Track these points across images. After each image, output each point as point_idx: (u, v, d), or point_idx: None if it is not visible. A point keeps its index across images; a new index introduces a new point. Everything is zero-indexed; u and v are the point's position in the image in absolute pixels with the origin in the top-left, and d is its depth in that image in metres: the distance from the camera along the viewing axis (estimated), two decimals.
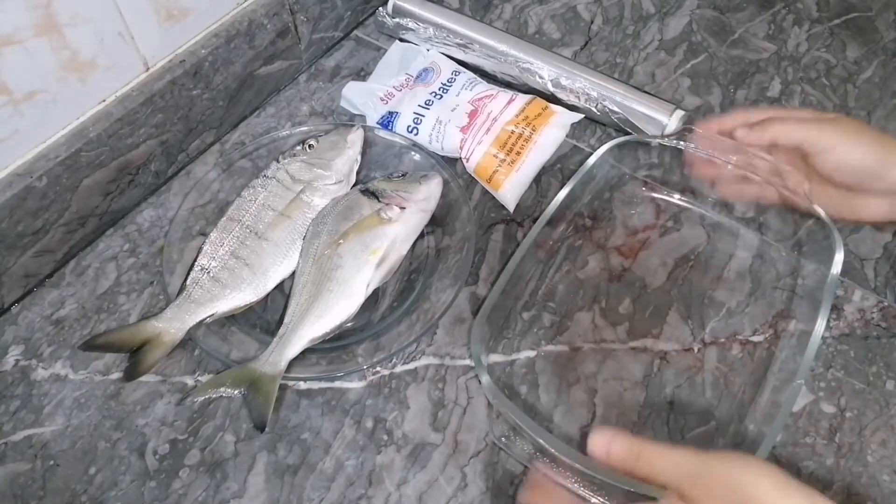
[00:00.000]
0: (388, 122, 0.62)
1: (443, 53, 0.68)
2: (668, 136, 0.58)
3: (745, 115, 0.53)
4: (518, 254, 0.51)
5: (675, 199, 0.60)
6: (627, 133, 0.62)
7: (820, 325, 0.47)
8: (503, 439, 0.46)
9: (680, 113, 0.61)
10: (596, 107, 0.63)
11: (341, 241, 0.52)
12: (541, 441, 0.42)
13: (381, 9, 0.70)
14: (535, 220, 0.59)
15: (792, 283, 0.55)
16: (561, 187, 0.59)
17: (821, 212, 0.51)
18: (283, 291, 0.53)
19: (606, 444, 0.38)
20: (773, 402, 0.49)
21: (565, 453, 0.40)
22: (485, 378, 0.45)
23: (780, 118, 0.51)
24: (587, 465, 0.40)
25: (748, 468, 0.34)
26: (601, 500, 0.40)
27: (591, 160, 0.56)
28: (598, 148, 0.57)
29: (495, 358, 0.51)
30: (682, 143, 0.56)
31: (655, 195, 0.60)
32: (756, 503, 0.33)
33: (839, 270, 0.50)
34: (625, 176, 0.61)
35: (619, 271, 0.56)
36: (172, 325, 0.49)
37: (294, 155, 0.57)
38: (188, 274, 0.51)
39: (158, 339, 0.48)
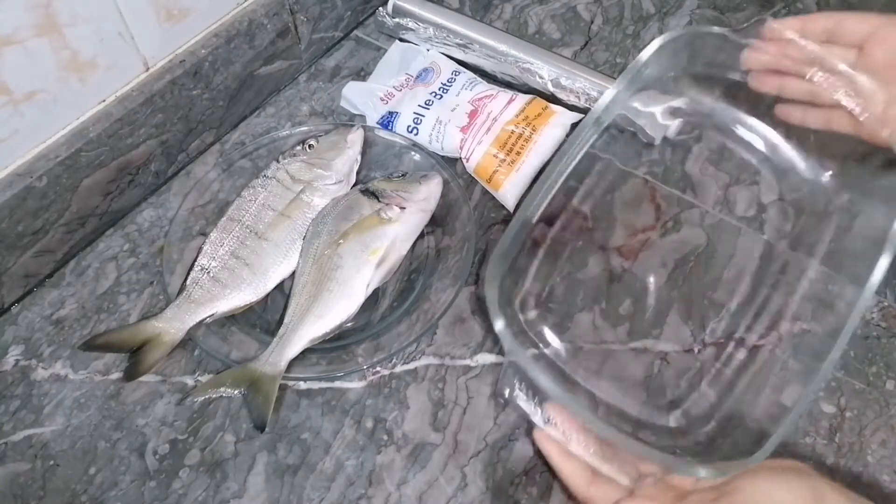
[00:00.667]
0: (388, 122, 0.62)
1: (443, 53, 0.68)
2: (738, 29, 0.49)
3: (836, 16, 0.45)
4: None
5: (676, 199, 0.60)
6: (628, 132, 0.62)
7: (856, 314, 0.42)
8: (511, 394, 0.45)
9: None
10: None
11: (341, 241, 0.52)
12: (553, 387, 0.41)
13: (381, 9, 0.70)
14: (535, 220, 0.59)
15: (795, 283, 0.55)
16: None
17: None
18: (283, 291, 0.53)
19: None
20: (776, 403, 0.48)
21: (577, 408, 0.40)
22: (499, 323, 0.44)
23: None
24: (597, 423, 0.40)
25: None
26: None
27: (644, 55, 0.50)
28: (649, 45, 0.50)
29: (495, 358, 0.51)
30: (751, 40, 0.48)
31: (656, 195, 0.60)
32: None
33: None
34: (625, 175, 0.61)
35: (619, 272, 0.56)
36: (172, 325, 0.49)
37: (294, 155, 0.57)
38: (188, 274, 0.51)
39: (158, 339, 0.48)
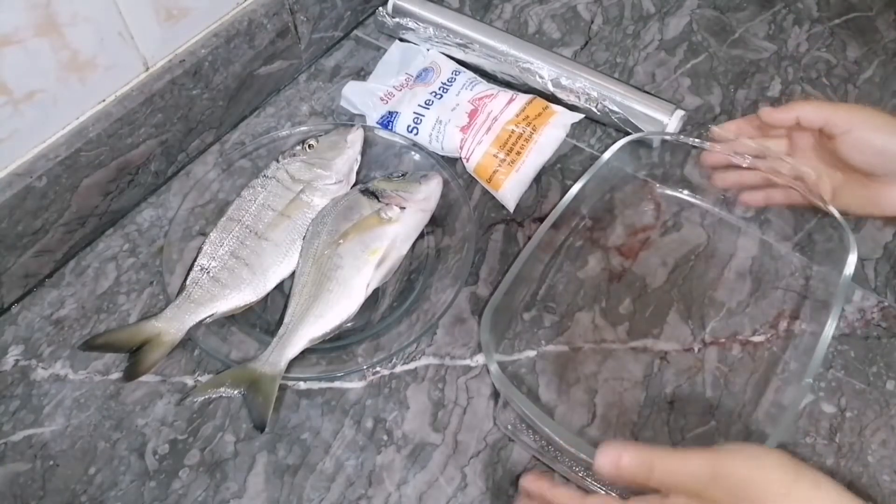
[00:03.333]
0: (388, 121, 0.62)
1: (443, 53, 0.68)
2: (683, 134, 0.57)
3: (765, 116, 0.53)
4: (528, 248, 0.50)
5: (676, 198, 0.60)
6: (629, 132, 0.62)
7: (830, 326, 0.46)
8: (509, 427, 0.46)
9: (680, 113, 0.61)
10: (596, 107, 0.63)
11: (341, 241, 0.52)
12: (547, 430, 0.41)
13: (381, 9, 0.70)
14: (535, 220, 0.59)
15: (794, 283, 0.55)
16: (561, 187, 0.59)
17: (835, 213, 0.50)
18: (283, 291, 0.53)
19: (616, 459, 0.36)
20: (775, 403, 0.48)
21: (571, 443, 0.40)
22: (494, 367, 0.44)
23: (804, 99, 0.50)
24: (592, 456, 0.40)
25: (757, 463, 0.34)
26: (603, 490, 0.40)
27: (606, 156, 0.55)
28: (612, 145, 0.55)
29: (496, 358, 0.51)
30: (699, 140, 0.54)
31: (656, 195, 0.60)
32: (764, 499, 0.33)
33: (852, 272, 0.48)
34: (625, 176, 0.61)
35: (619, 271, 0.56)
36: (172, 325, 0.49)
37: (294, 155, 0.57)
38: (188, 274, 0.51)
39: (158, 339, 0.48)
